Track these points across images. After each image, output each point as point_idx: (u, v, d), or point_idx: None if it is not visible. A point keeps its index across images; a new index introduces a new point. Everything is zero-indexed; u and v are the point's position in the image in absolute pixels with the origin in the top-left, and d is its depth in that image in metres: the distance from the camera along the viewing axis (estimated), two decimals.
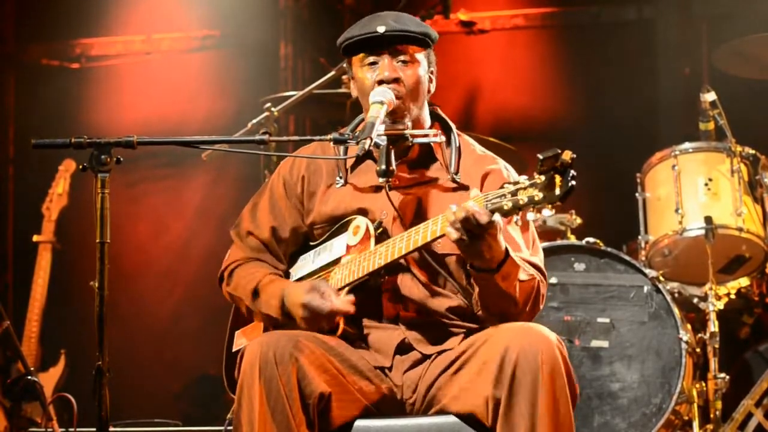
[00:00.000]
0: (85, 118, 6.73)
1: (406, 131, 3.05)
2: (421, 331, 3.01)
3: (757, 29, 5.12)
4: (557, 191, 2.58)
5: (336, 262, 3.08)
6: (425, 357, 2.98)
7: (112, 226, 2.83)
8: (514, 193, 2.66)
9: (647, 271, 4.67)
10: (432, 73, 3.15)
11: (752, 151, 4.97)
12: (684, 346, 4.55)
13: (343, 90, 4.75)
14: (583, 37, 6.82)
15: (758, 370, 5.10)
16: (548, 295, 3.23)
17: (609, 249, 4.74)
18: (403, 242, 2.90)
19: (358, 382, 2.92)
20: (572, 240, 4.93)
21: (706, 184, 4.92)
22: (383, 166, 2.98)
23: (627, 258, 4.72)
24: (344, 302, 2.94)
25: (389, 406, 2.97)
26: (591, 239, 4.78)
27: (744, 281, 5.06)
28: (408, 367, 2.98)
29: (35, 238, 6.08)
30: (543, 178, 2.60)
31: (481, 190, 3.03)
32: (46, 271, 6.01)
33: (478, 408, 2.79)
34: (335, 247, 3.10)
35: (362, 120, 3.10)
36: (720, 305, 4.79)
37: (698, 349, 4.71)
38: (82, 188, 6.17)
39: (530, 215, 2.79)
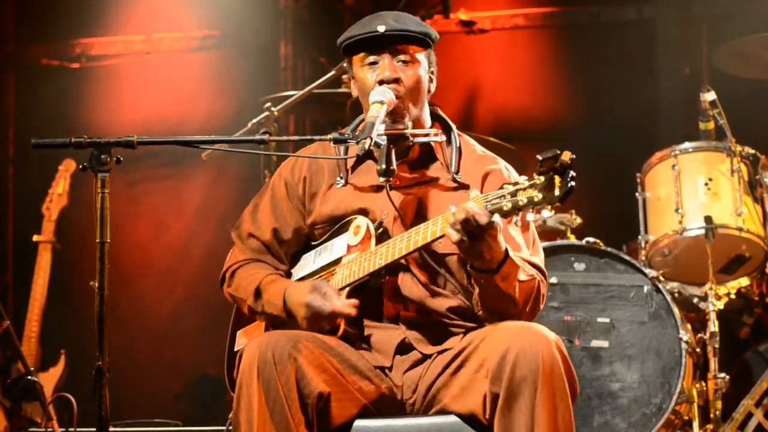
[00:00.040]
0: (85, 118, 6.73)
1: (406, 131, 3.05)
2: (421, 330, 3.01)
3: (757, 29, 5.12)
4: (556, 192, 2.58)
5: (337, 262, 3.09)
6: (425, 357, 2.98)
7: (112, 226, 2.83)
8: (513, 194, 2.66)
9: (647, 270, 4.67)
10: (432, 73, 3.15)
11: (752, 151, 4.97)
12: (684, 346, 4.55)
13: (343, 90, 4.75)
14: (583, 37, 6.82)
15: (758, 370, 5.10)
16: (548, 295, 3.23)
17: (609, 249, 4.74)
18: (404, 242, 2.90)
19: (357, 382, 2.92)
20: (572, 240, 4.93)
21: (706, 184, 4.92)
22: (383, 166, 2.98)
23: (627, 258, 4.72)
24: (346, 304, 2.94)
25: (389, 406, 2.97)
26: (591, 239, 4.78)
27: (744, 281, 5.06)
28: (408, 367, 2.98)
29: (35, 238, 6.08)
30: (542, 178, 2.60)
31: (481, 190, 3.03)
32: (46, 271, 6.01)
33: (477, 407, 2.79)
34: (336, 247, 3.10)
35: (363, 120, 3.10)
36: (720, 305, 4.79)
37: (698, 349, 4.71)
38: (82, 188, 6.17)
39: (530, 216, 2.79)
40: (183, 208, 6.89)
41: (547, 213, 5.06)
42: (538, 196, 2.61)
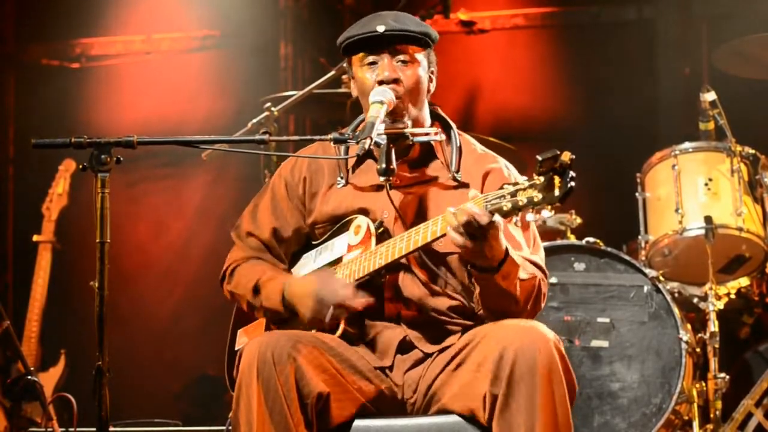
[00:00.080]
0: (85, 118, 6.73)
1: (406, 130, 3.05)
2: (422, 329, 3.01)
3: (757, 29, 5.12)
4: (556, 192, 2.58)
5: (337, 261, 3.09)
6: (426, 356, 2.99)
7: (112, 226, 2.83)
8: (513, 194, 2.66)
9: (647, 270, 4.67)
10: (432, 72, 3.15)
11: (752, 151, 4.97)
12: (684, 346, 4.55)
13: (343, 90, 4.75)
14: (583, 37, 6.82)
15: (758, 370, 5.10)
16: (548, 295, 3.23)
17: (609, 249, 4.74)
18: (404, 242, 2.90)
19: (357, 382, 2.92)
20: (572, 240, 4.93)
21: (706, 184, 4.92)
22: (383, 165, 2.99)
23: (627, 258, 4.72)
24: (356, 295, 2.93)
25: (389, 405, 2.97)
26: (591, 239, 4.78)
27: (744, 281, 5.06)
28: (409, 367, 2.99)
29: (35, 238, 6.08)
30: (542, 179, 2.60)
31: (481, 189, 3.03)
32: (46, 271, 6.01)
33: (477, 407, 2.79)
34: (336, 247, 3.11)
35: (362, 120, 3.10)
36: (720, 305, 4.79)
37: (698, 349, 4.71)
38: (82, 188, 6.17)
39: (530, 216, 2.80)
40: (183, 208, 6.89)
41: (547, 213, 5.05)
42: (537, 196, 2.61)
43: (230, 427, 2.92)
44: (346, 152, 3.17)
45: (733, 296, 5.02)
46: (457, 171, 3.10)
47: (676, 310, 4.60)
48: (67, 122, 6.68)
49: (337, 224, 3.13)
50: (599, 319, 4.65)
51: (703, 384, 4.68)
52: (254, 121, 4.72)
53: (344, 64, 3.23)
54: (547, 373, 2.70)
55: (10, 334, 4.36)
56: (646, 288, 4.66)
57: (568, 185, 2.56)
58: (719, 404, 4.63)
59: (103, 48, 7.05)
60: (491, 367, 2.74)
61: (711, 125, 5.02)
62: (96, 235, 2.80)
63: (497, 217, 2.71)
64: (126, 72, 6.99)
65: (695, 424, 4.64)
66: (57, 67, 7.02)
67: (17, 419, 4.51)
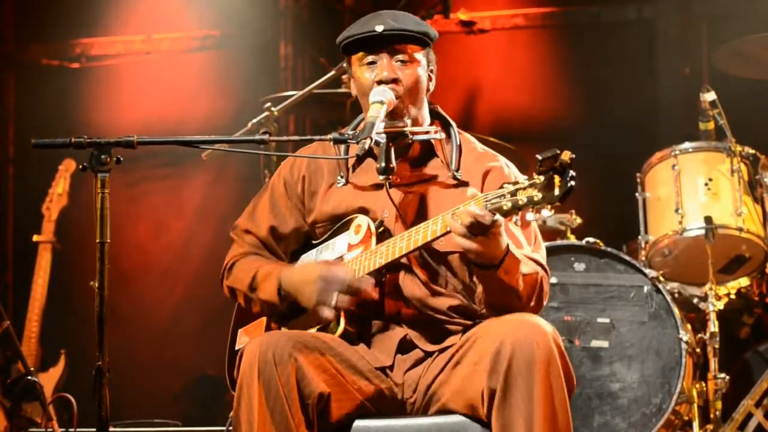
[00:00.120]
0: (85, 118, 6.73)
1: (405, 128, 3.05)
2: (422, 328, 3.01)
3: (757, 29, 5.12)
4: (556, 191, 2.58)
5: (338, 260, 3.09)
6: (426, 356, 2.99)
7: (112, 226, 2.83)
8: (513, 194, 2.66)
9: (647, 271, 4.67)
10: (432, 71, 3.15)
11: (752, 151, 4.96)
12: (684, 346, 4.54)
13: (343, 90, 4.75)
14: (583, 37, 6.82)
15: (758, 370, 5.10)
16: (549, 294, 3.23)
17: (609, 249, 4.74)
18: (404, 242, 2.90)
19: (357, 382, 2.92)
20: (572, 240, 4.93)
21: (706, 184, 4.92)
22: (383, 164, 2.99)
23: (627, 258, 4.72)
24: (363, 279, 2.93)
25: (389, 405, 2.97)
26: (591, 239, 4.78)
27: (744, 281, 5.06)
28: (409, 367, 2.99)
29: (35, 238, 6.08)
30: (542, 178, 2.60)
31: (482, 188, 3.04)
32: (46, 271, 6.01)
33: (477, 402, 2.79)
34: (337, 246, 3.11)
35: (362, 119, 3.10)
36: (720, 305, 4.79)
37: (698, 349, 4.71)
38: (82, 188, 6.17)
39: (530, 215, 2.79)
40: (183, 208, 6.89)
41: (546, 213, 5.06)
42: (537, 195, 2.61)
43: (230, 427, 2.92)
44: (346, 151, 3.17)
45: (733, 296, 5.02)
46: (457, 169, 3.10)
47: (676, 311, 4.60)
48: (67, 122, 6.68)
49: (338, 223, 3.13)
50: (599, 320, 4.65)
51: (703, 384, 4.68)
52: (254, 121, 4.72)
53: (344, 64, 3.24)
54: (545, 366, 2.69)
55: (10, 334, 4.36)
56: (646, 288, 4.66)
57: (569, 184, 2.56)
58: (719, 404, 4.63)
59: (103, 48, 7.05)
60: (489, 361, 2.74)
61: (711, 125, 5.02)
62: (96, 235, 2.80)
63: (498, 216, 2.71)
64: (126, 72, 6.99)
65: (695, 424, 4.63)
66: (57, 67, 7.02)
67: (17, 419, 4.51)
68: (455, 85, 6.73)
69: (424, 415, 2.94)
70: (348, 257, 3.04)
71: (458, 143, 3.14)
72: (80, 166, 2.87)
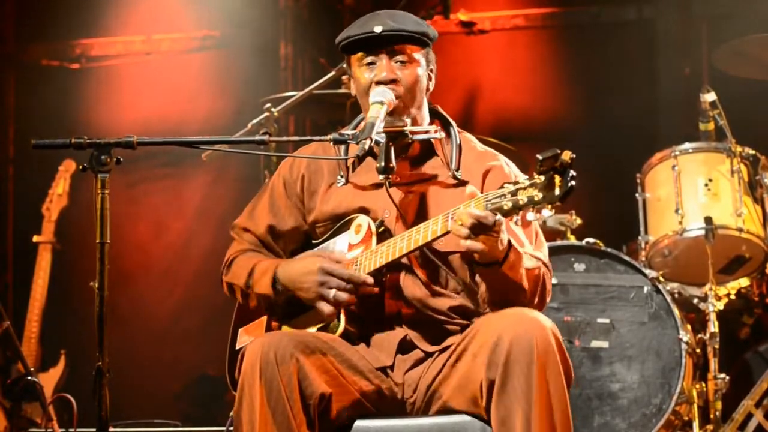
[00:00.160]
0: (85, 118, 6.73)
1: (405, 128, 3.05)
2: (422, 329, 3.01)
3: (757, 29, 5.12)
4: (557, 191, 2.58)
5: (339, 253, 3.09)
6: (427, 356, 2.99)
7: (112, 226, 2.83)
8: (513, 193, 2.66)
9: (647, 271, 4.67)
10: (431, 71, 3.15)
11: (752, 152, 4.97)
12: (684, 346, 4.55)
13: (343, 90, 4.75)
14: (583, 37, 6.82)
15: (758, 371, 5.10)
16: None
17: (609, 249, 4.74)
18: (404, 241, 2.90)
19: (358, 383, 2.92)
20: (572, 240, 4.93)
21: (706, 185, 4.92)
22: (383, 163, 2.99)
23: (627, 258, 4.72)
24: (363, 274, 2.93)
25: (389, 406, 2.97)
26: (591, 239, 4.78)
27: (744, 281, 5.06)
28: (409, 367, 2.99)
29: (35, 238, 6.08)
30: (542, 178, 2.60)
31: (482, 187, 3.04)
32: (46, 272, 6.01)
33: (476, 395, 2.79)
34: (337, 246, 3.11)
35: (362, 119, 3.11)
36: (720, 306, 4.79)
37: (698, 350, 4.71)
38: (82, 188, 6.17)
39: (530, 215, 2.79)
40: (183, 208, 6.89)
41: (547, 213, 5.02)
42: (538, 195, 2.61)
43: (231, 427, 2.92)
44: (346, 151, 3.17)
45: (733, 297, 5.03)
46: (457, 169, 3.10)
47: (676, 311, 4.60)
48: (67, 122, 6.68)
49: (338, 223, 3.13)
50: (599, 320, 4.65)
51: (703, 384, 4.68)
52: (254, 121, 4.73)
53: (344, 64, 3.24)
54: (544, 357, 2.69)
55: (10, 334, 4.36)
56: (646, 288, 4.66)
57: (569, 184, 2.56)
58: (719, 405, 4.63)
59: (103, 48, 7.05)
60: (487, 353, 2.74)
61: (711, 126, 5.02)
62: (96, 235, 2.80)
63: (498, 216, 2.71)
64: (126, 72, 6.99)
65: (695, 424, 4.63)
66: (57, 67, 7.02)
67: (17, 419, 4.51)
68: (455, 86, 6.73)
69: (424, 415, 2.94)
70: (348, 257, 3.04)
71: (458, 142, 3.14)
72: (80, 167, 2.87)
